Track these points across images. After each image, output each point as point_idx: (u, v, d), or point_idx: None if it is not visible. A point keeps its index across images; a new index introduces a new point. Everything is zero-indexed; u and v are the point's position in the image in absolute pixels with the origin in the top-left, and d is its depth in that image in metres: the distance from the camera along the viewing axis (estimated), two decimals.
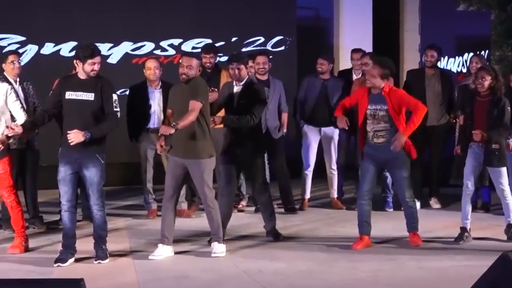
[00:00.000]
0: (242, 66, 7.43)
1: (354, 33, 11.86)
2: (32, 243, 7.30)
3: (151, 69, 8.71)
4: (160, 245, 6.92)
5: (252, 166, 7.52)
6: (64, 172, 6.62)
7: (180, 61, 7.03)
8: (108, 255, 6.74)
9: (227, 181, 7.48)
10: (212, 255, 6.87)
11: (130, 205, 9.75)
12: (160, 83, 8.77)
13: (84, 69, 6.58)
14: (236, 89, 7.47)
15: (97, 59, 6.60)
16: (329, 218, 8.73)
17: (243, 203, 9.43)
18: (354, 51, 9.79)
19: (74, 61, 6.70)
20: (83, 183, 6.74)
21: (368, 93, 7.23)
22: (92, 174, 6.60)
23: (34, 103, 8.05)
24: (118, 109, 6.67)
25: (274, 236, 7.60)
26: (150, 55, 10.97)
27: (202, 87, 6.97)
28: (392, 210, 9.14)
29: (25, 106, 7.82)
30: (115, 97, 6.65)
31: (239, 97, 7.40)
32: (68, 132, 6.48)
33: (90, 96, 6.55)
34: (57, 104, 6.68)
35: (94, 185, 6.63)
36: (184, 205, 8.87)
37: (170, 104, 7.12)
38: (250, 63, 9.05)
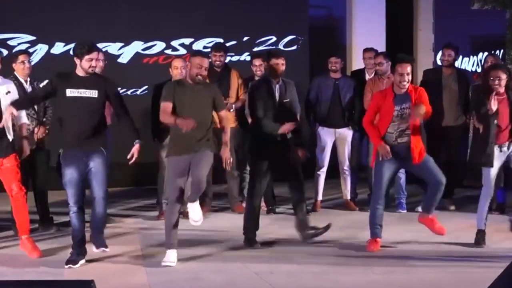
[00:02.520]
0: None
1: (367, 32, 11.85)
2: (42, 244, 7.33)
3: (178, 69, 8.70)
4: (169, 251, 6.79)
5: (295, 164, 7.48)
6: (70, 174, 6.58)
7: (191, 60, 6.90)
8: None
9: (264, 184, 7.49)
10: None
11: (140, 206, 9.76)
12: None
13: (82, 66, 6.60)
14: (277, 87, 7.48)
15: (94, 55, 6.61)
16: (342, 220, 8.72)
17: (244, 205, 9.36)
18: (366, 50, 9.79)
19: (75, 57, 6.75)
20: (88, 177, 6.64)
21: (393, 95, 7.12)
22: (97, 163, 6.59)
23: (44, 103, 8.07)
24: (124, 104, 6.81)
25: (307, 236, 7.52)
26: (161, 54, 11.02)
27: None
28: (405, 211, 9.14)
29: (35, 107, 7.88)
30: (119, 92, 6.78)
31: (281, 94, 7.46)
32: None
33: (93, 93, 6.58)
34: (44, 98, 6.87)
35: (99, 173, 6.60)
36: None
37: (169, 99, 6.78)
38: (260, 62, 9.09)
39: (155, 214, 8.96)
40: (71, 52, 10.76)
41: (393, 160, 7.17)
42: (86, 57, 6.57)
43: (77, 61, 6.64)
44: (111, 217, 8.47)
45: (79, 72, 6.65)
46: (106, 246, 6.83)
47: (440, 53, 9.64)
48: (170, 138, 7.02)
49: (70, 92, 6.57)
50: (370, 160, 7.69)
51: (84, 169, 6.60)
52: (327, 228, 7.56)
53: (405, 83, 7.10)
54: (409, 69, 7.09)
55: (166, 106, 6.79)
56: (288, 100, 7.50)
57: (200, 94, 6.81)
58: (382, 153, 7.11)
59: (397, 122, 7.14)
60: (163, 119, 6.83)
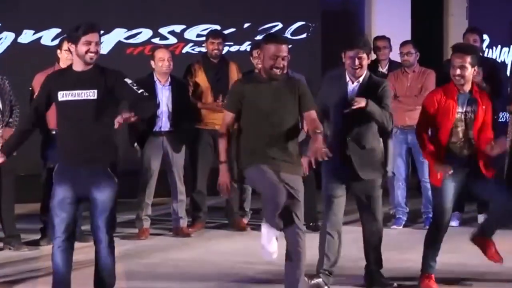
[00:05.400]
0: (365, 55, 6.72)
1: (389, 18, 11.86)
2: (8, 267, 7.33)
3: (165, 60, 8.66)
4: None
5: (376, 192, 6.95)
6: (63, 194, 5.89)
7: (264, 49, 6.13)
8: None
9: (336, 212, 6.96)
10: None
11: (124, 222, 9.70)
12: (169, 79, 8.77)
13: (78, 52, 5.80)
14: (352, 87, 6.80)
15: (93, 36, 5.81)
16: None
17: (245, 220, 9.39)
18: (378, 38, 9.85)
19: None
20: (91, 208, 5.99)
21: (456, 92, 6.67)
22: (105, 196, 5.89)
23: (11, 101, 8.05)
24: (143, 90, 5.95)
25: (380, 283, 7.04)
26: (147, 44, 11.01)
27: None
28: (401, 227, 9.19)
29: (0, 106, 7.86)
30: (129, 80, 5.94)
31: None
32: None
33: (91, 94, 5.80)
34: (42, 110, 6.05)
35: (107, 211, 5.92)
36: (182, 222, 8.89)
37: (232, 107, 6.13)
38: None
39: (136, 232, 8.92)
40: (42, 42, 11.03)
41: (458, 176, 6.71)
42: (83, 39, 5.75)
43: (72, 47, 5.87)
44: (86, 235, 8.39)
45: (76, 65, 5.90)
46: None
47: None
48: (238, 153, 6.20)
49: (62, 96, 5.84)
50: (428, 175, 7.13)
51: (82, 194, 5.94)
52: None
53: (457, 77, 6.64)
54: (460, 59, 6.59)
55: (225, 117, 6.17)
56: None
57: (279, 92, 6.08)
58: (442, 172, 6.60)
59: (461, 128, 6.69)
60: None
